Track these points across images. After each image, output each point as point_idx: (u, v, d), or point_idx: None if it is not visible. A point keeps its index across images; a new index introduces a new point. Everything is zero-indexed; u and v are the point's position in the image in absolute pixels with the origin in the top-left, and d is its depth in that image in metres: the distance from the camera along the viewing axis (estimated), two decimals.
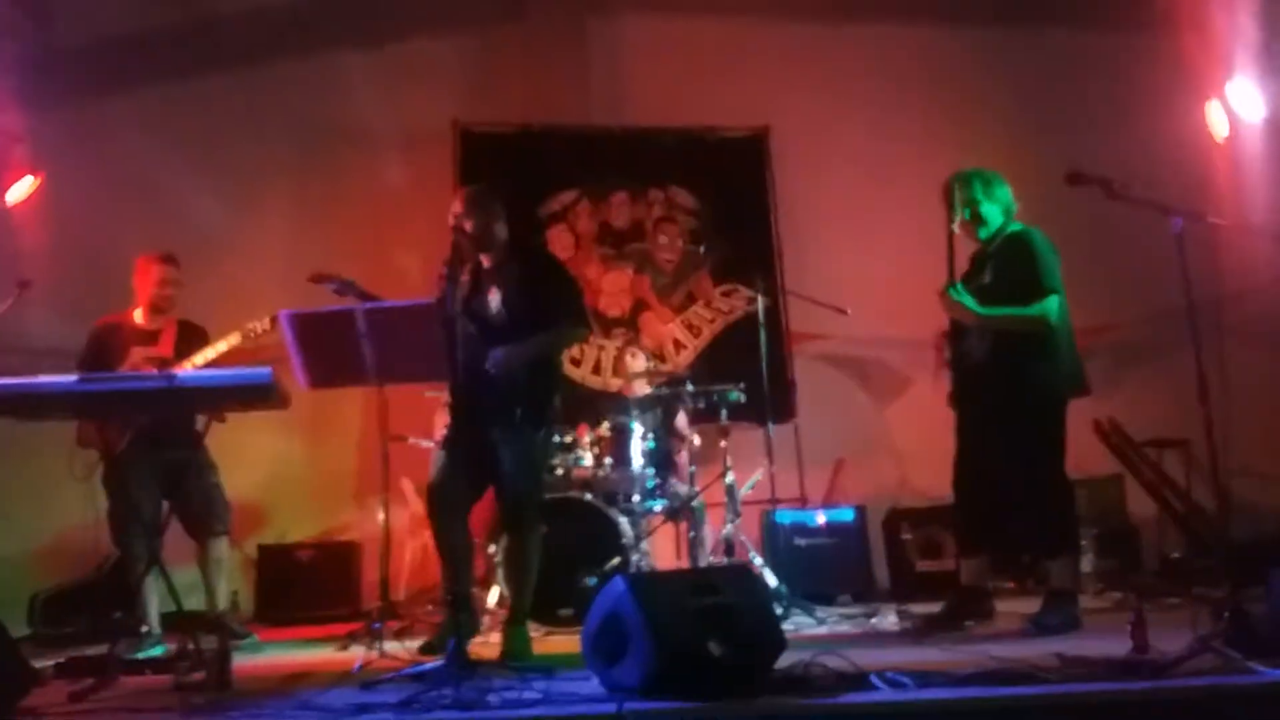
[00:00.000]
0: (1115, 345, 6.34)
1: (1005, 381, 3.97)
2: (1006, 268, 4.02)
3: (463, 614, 3.79)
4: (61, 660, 3.86)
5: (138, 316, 4.71)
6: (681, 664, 2.81)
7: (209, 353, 4.49)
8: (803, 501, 5.85)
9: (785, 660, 3.02)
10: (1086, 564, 5.33)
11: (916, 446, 6.19)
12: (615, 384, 6.39)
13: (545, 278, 4.03)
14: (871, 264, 6.43)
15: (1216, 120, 6.29)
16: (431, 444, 4.22)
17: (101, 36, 6.37)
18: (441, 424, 3.99)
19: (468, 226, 3.86)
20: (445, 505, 3.90)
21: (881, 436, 6.47)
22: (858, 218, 6.70)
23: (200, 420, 4.17)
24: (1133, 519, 5.86)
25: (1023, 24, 6.88)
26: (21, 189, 4.92)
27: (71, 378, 3.39)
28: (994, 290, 4.01)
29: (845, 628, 4.43)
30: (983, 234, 4.15)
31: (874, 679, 2.82)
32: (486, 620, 4.69)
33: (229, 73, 6.52)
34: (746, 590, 3.12)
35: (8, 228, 5.19)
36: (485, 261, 3.98)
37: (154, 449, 4.39)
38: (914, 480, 6.19)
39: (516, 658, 3.60)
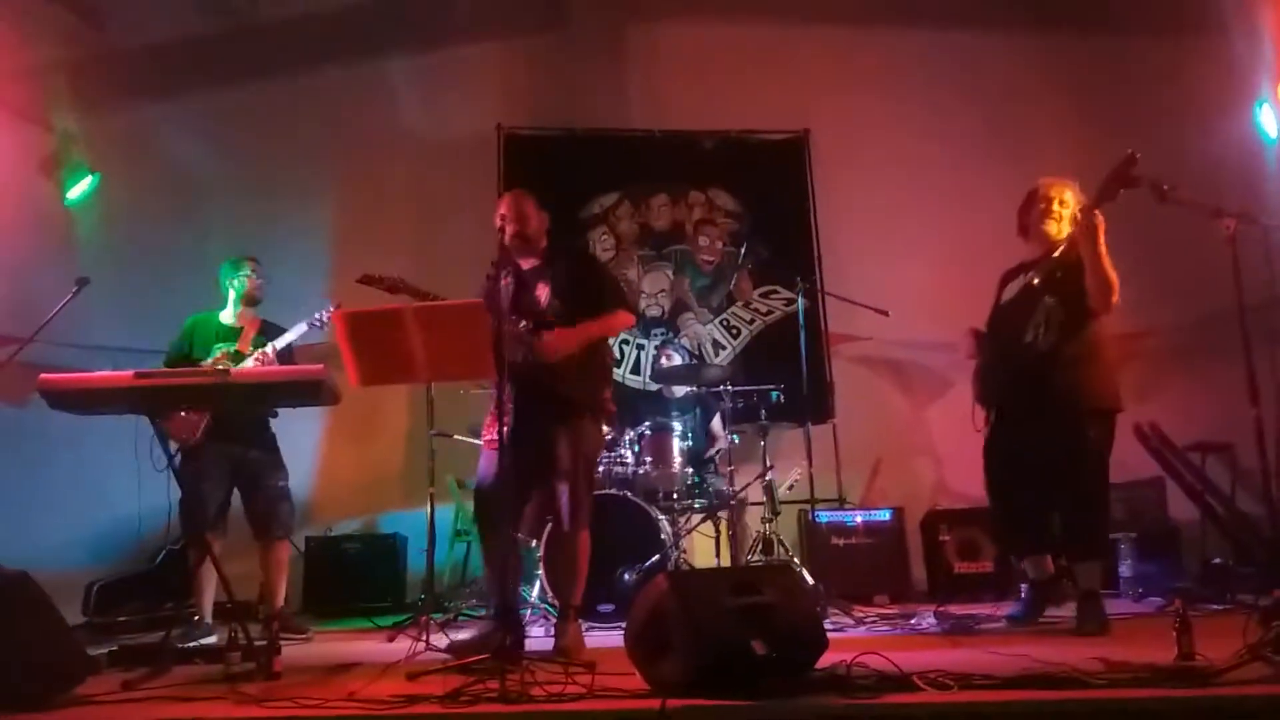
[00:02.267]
0: (1158, 349, 6.28)
1: (1067, 380, 4.00)
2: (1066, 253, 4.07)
3: (503, 623, 3.86)
4: (115, 648, 3.97)
5: (224, 314, 4.88)
6: (724, 661, 2.84)
7: (279, 342, 4.65)
8: (841, 502, 5.85)
9: (827, 660, 3.04)
10: (1126, 568, 5.31)
11: (955, 449, 6.17)
12: (653, 384, 6.44)
13: (590, 271, 4.16)
14: (911, 267, 6.42)
15: (1267, 122, 6.20)
16: (476, 441, 4.26)
17: (155, 42, 6.50)
18: (491, 424, 4.01)
19: (514, 228, 3.93)
20: (496, 513, 3.94)
21: (920, 438, 6.46)
22: (898, 220, 6.69)
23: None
24: (1173, 523, 5.79)
25: (1067, 27, 6.82)
26: (81, 189, 5.03)
27: (128, 373, 3.48)
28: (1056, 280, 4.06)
29: (884, 628, 4.43)
30: (1054, 230, 4.17)
31: (917, 680, 2.83)
32: (528, 615, 4.76)
33: (277, 79, 6.65)
34: (788, 589, 3.14)
35: (68, 227, 5.32)
36: (527, 263, 4.04)
37: (226, 446, 4.52)
38: (952, 482, 6.18)
39: (568, 654, 3.63)
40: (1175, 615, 3.06)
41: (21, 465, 4.75)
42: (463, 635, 3.98)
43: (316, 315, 4.69)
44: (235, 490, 4.68)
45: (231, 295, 4.89)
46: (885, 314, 5.40)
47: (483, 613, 4.06)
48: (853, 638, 4.10)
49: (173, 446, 4.51)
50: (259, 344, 4.72)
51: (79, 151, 5.14)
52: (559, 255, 4.11)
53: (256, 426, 4.70)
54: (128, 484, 4.68)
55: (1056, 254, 4.09)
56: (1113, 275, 3.91)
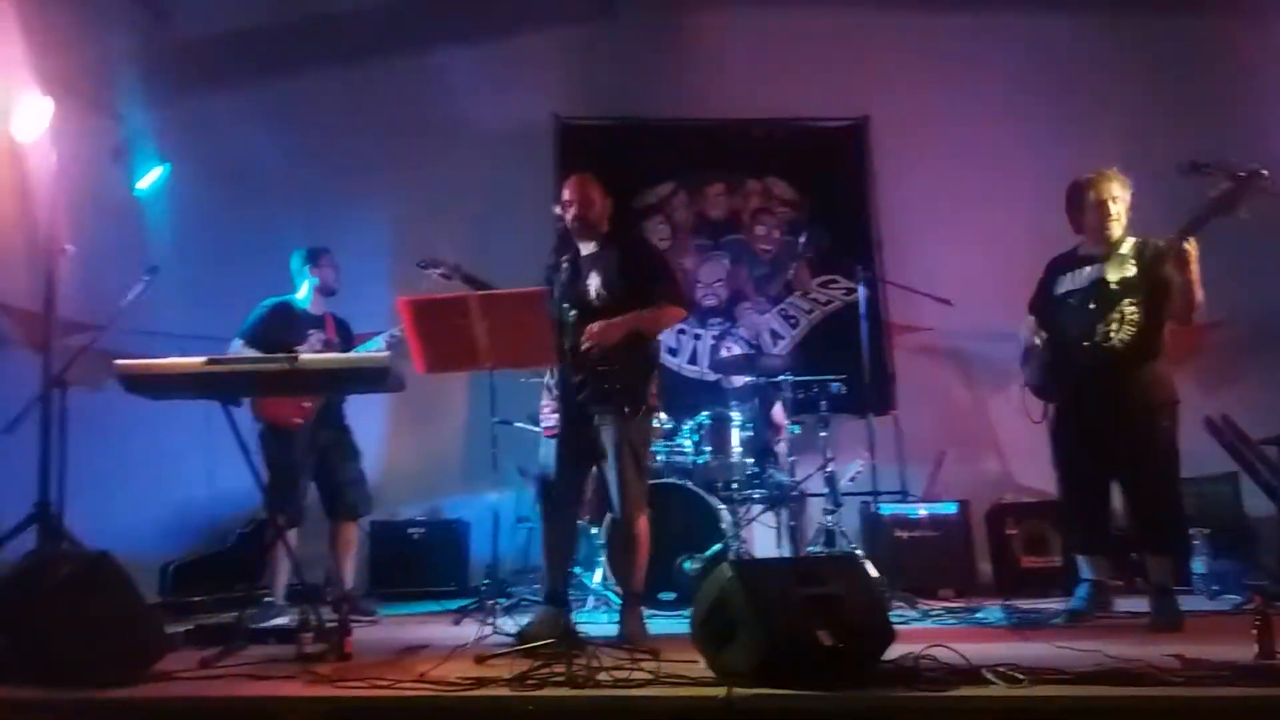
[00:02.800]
0: (1231, 340, 6.13)
1: (1140, 376, 4.02)
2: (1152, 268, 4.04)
3: (560, 610, 3.89)
4: (191, 627, 4.07)
5: (304, 302, 4.99)
6: (790, 652, 2.83)
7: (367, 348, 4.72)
8: (904, 494, 5.79)
9: (893, 652, 3.02)
10: (1199, 565, 5.19)
11: (1020, 441, 6.06)
12: (710, 374, 6.43)
13: (642, 260, 4.13)
14: (973, 256, 6.31)
15: None
16: (536, 428, 4.28)
17: (219, 32, 6.61)
18: (547, 410, 4.05)
19: (576, 211, 3.94)
20: (558, 501, 3.98)
21: (984, 430, 6.35)
22: (960, 209, 6.58)
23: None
24: (1249, 519, 5.64)
25: (1137, 10, 6.64)
26: (150, 179, 5.13)
27: (200, 359, 3.56)
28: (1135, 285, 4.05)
29: (950, 621, 4.38)
30: (1119, 232, 4.15)
31: (987, 673, 2.80)
32: (591, 601, 4.79)
33: (338, 69, 6.72)
34: (854, 580, 3.12)
35: (138, 216, 5.44)
36: (586, 249, 4.05)
37: (314, 430, 4.63)
38: (1018, 475, 6.09)
39: (633, 641, 3.66)
40: (1254, 613, 2.99)
41: (98, 449, 4.86)
42: (525, 620, 4.02)
43: (392, 333, 4.71)
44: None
45: (306, 285, 4.98)
46: (949, 303, 5.34)
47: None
48: (918, 630, 4.06)
49: (259, 428, 4.63)
50: (342, 337, 4.86)
51: (148, 142, 5.23)
52: (614, 242, 4.10)
53: (336, 411, 4.82)
54: (200, 467, 4.80)
55: (1131, 255, 4.07)
56: (1201, 295, 3.91)
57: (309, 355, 4.24)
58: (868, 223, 6.81)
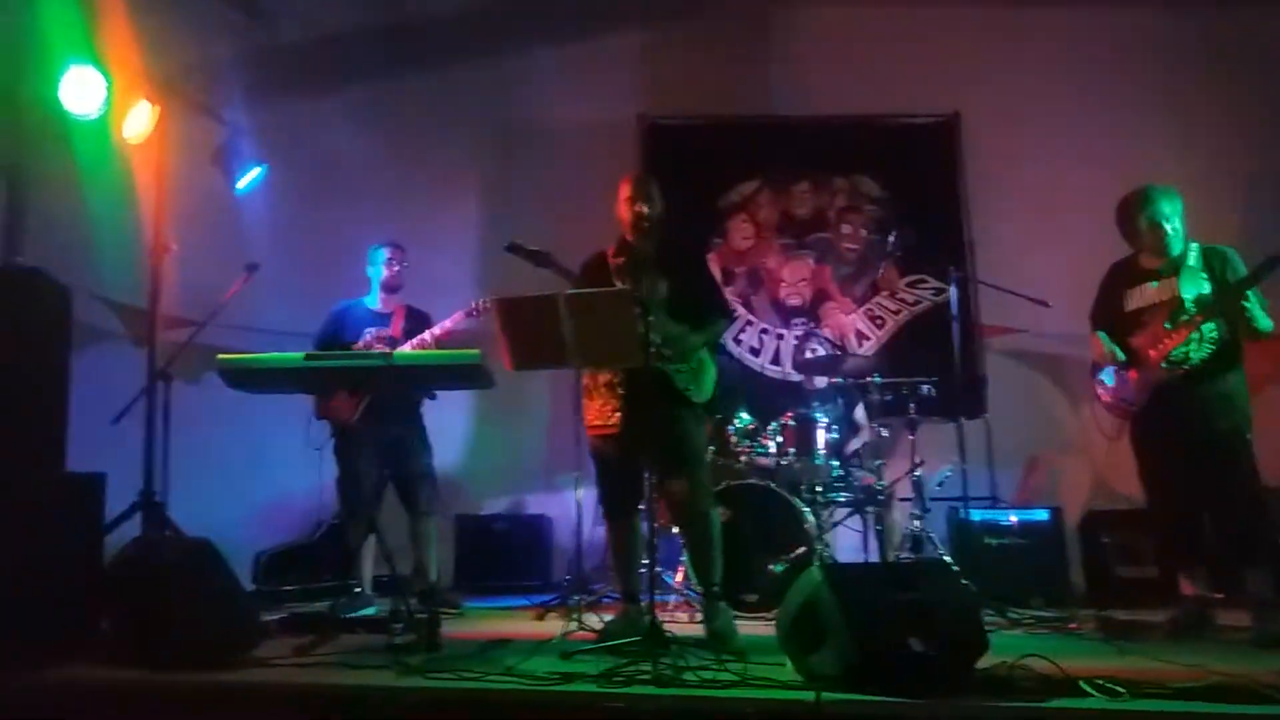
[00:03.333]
0: None
1: (1220, 388, 4.01)
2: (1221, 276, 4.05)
3: (635, 608, 3.93)
4: (284, 616, 4.18)
5: (371, 300, 5.09)
6: (881, 658, 2.80)
7: (436, 329, 4.81)
8: (993, 500, 5.66)
9: (986, 661, 2.96)
10: None
11: (1116, 448, 5.88)
12: (793, 374, 6.37)
13: (697, 268, 4.24)
14: (1067, 256, 6.09)
15: None
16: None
17: (314, 36, 6.80)
18: (595, 410, 4.02)
19: (640, 209, 3.95)
20: (619, 502, 4.01)
21: (1078, 436, 6.16)
22: (1053, 207, 6.40)
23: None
24: None
25: (1248, 7, 6.39)
26: (249, 179, 5.29)
27: (298, 355, 3.65)
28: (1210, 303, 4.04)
29: (1042, 631, 4.27)
30: (1179, 247, 4.16)
31: (1085, 685, 2.73)
32: (674, 599, 4.80)
33: (429, 70, 6.84)
34: (947, 587, 3.08)
35: (238, 215, 5.61)
36: (647, 247, 4.03)
37: (378, 425, 4.70)
38: (1113, 483, 5.88)
39: (723, 637, 3.66)
40: None
41: (196, 441, 5.03)
42: (608, 618, 4.03)
43: (474, 304, 4.80)
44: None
45: (370, 283, 5.09)
46: (1046, 305, 5.19)
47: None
48: (1009, 639, 3.96)
49: (330, 427, 4.74)
50: (411, 330, 4.87)
51: (247, 143, 5.38)
52: (672, 247, 4.12)
53: (405, 408, 4.87)
54: (293, 460, 4.92)
55: (1201, 269, 4.08)
56: (1270, 328, 3.96)
57: (403, 350, 4.32)
58: (959, 221, 6.65)
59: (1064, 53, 6.62)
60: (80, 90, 4.47)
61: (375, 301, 5.10)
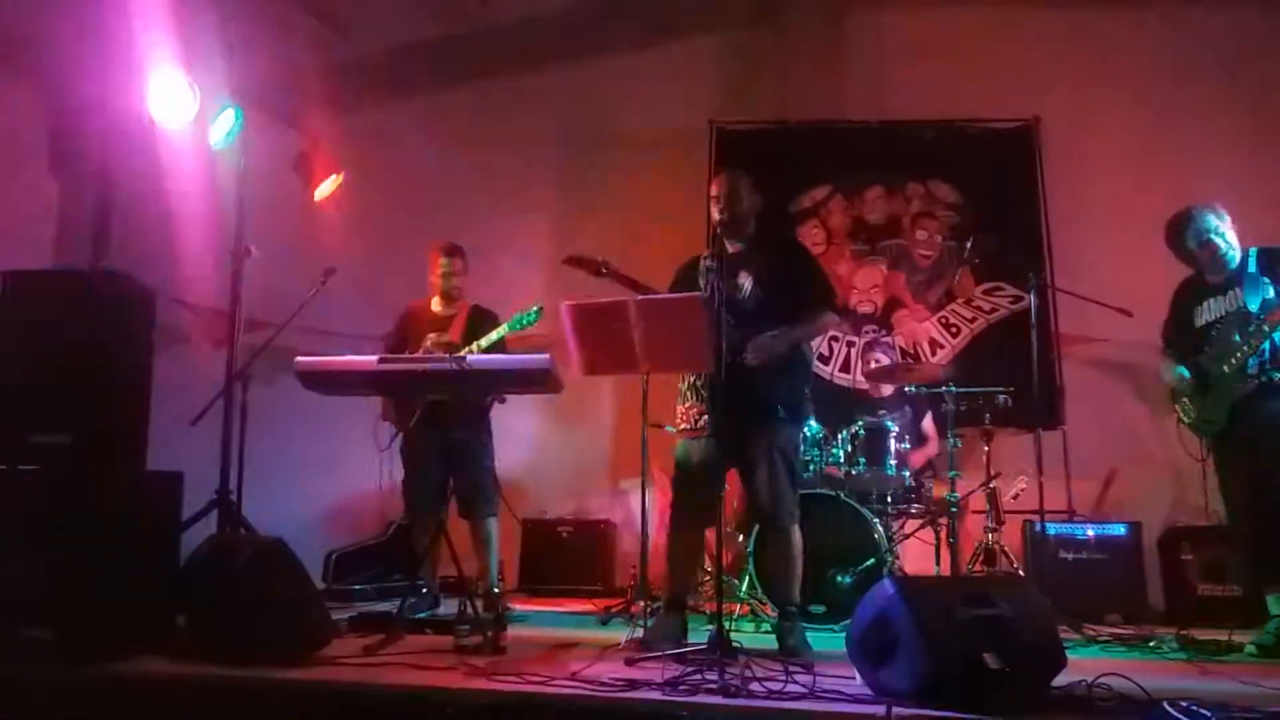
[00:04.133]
0: None
1: None
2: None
3: (678, 616, 3.89)
4: (354, 614, 4.24)
5: (435, 303, 5.09)
6: (954, 673, 2.73)
7: (491, 337, 4.76)
8: (1070, 513, 5.51)
9: (1063, 678, 2.87)
10: None
11: (1197, 462, 5.70)
12: (862, 382, 6.29)
13: (798, 264, 4.10)
14: (1148, 264, 5.89)
15: None
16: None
17: (391, 46, 6.91)
18: (685, 413, 3.99)
19: (726, 207, 3.91)
20: (695, 507, 3.95)
21: (1158, 449, 5.96)
22: (1134, 215, 6.18)
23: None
24: None
25: None
26: (327, 186, 5.39)
27: (372, 358, 3.70)
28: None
29: (1119, 649, 4.14)
30: (1236, 259, 4.18)
31: (1168, 707, 2.63)
32: (738, 608, 4.76)
33: (502, 79, 6.94)
34: (1023, 603, 2.98)
35: (316, 221, 5.72)
36: (733, 248, 3.99)
37: (438, 429, 4.67)
38: (1194, 497, 5.66)
39: (797, 653, 3.61)
40: None
41: (270, 441, 5.13)
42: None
43: (519, 316, 4.77)
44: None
45: (433, 287, 5.08)
46: (1129, 314, 5.04)
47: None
48: (1086, 655, 3.84)
49: (391, 430, 4.79)
50: (471, 335, 4.85)
51: (325, 150, 5.49)
52: (767, 243, 4.05)
53: (471, 411, 4.80)
54: (364, 460, 4.98)
55: (1262, 273, 4.03)
56: None
57: (475, 356, 4.34)
58: (1037, 228, 6.51)
59: (1146, 59, 6.48)
60: (168, 99, 4.59)
61: (437, 304, 5.09)
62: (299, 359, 3.64)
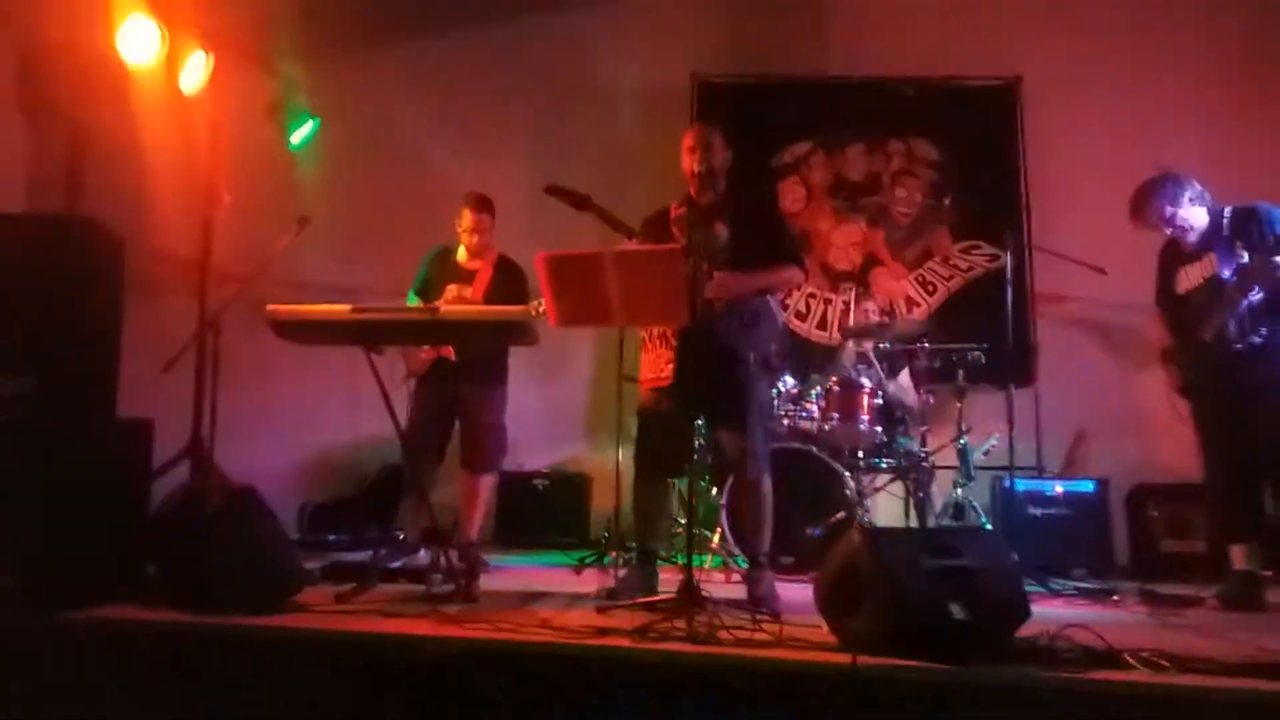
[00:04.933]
0: None
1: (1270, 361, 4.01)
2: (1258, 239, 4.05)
3: (650, 568, 3.91)
4: (327, 563, 4.25)
5: (460, 253, 4.85)
6: (920, 623, 2.77)
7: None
8: (1039, 470, 5.57)
9: (1027, 630, 2.92)
10: None
11: (1166, 421, 5.74)
12: (839, 339, 6.30)
13: (768, 219, 4.13)
14: (1125, 224, 5.96)
15: None
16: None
17: None
18: (650, 363, 3.99)
19: (700, 158, 3.89)
20: (660, 462, 3.97)
21: (1128, 407, 6.03)
22: (1114, 176, 6.09)
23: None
24: None
25: None
26: (302, 133, 5.32)
27: (345, 307, 3.67)
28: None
29: (1083, 603, 4.21)
30: (1201, 225, 4.27)
31: (1128, 658, 2.68)
32: (709, 560, 4.80)
33: (481, 28, 6.78)
34: (989, 554, 3.02)
35: (291, 169, 5.65)
36: (704, 198, 3.96)
37: (447, 378, 4.62)
38: (1161, 456, 5.73)
39: (765, 602, 3.63)
40: None
41: (246, 394, 5.10)
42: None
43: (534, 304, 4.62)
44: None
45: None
46: (1103, 272, 5.06)
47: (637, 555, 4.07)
48: (1049, 609, 3.90)
49: (402, 373, 4.71)
50: (495, 290, 4.65)
51: (301, 97, 5.41)
52: (737, 197, 4.02)
53: (478, 361, 4.67)
54: (342, 414, 4.96)
55: (1236, 237, 4.07)
56: None
57: (450, 307, 4.27)
58: (1016, 187, 6.49)
59: (1133, 15, 6.41)
60: (137, 40, 4.50)
61: (463, 254, 4.84)
62: (270, 306, 3.60)
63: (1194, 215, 4.23)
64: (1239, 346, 4.02)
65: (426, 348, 4.59)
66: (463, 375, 4.60)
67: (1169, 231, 4.31)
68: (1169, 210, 4.24)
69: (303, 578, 3.66)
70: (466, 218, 4.76)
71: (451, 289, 4.67)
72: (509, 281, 4.69)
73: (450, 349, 4.60)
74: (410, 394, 4.70)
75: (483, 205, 4.80)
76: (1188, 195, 4.23)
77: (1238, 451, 4.09)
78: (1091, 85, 6.38)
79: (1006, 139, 6.59)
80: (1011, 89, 6.63)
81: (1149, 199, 4.29)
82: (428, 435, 4.63)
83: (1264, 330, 3.98)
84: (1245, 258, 3.97)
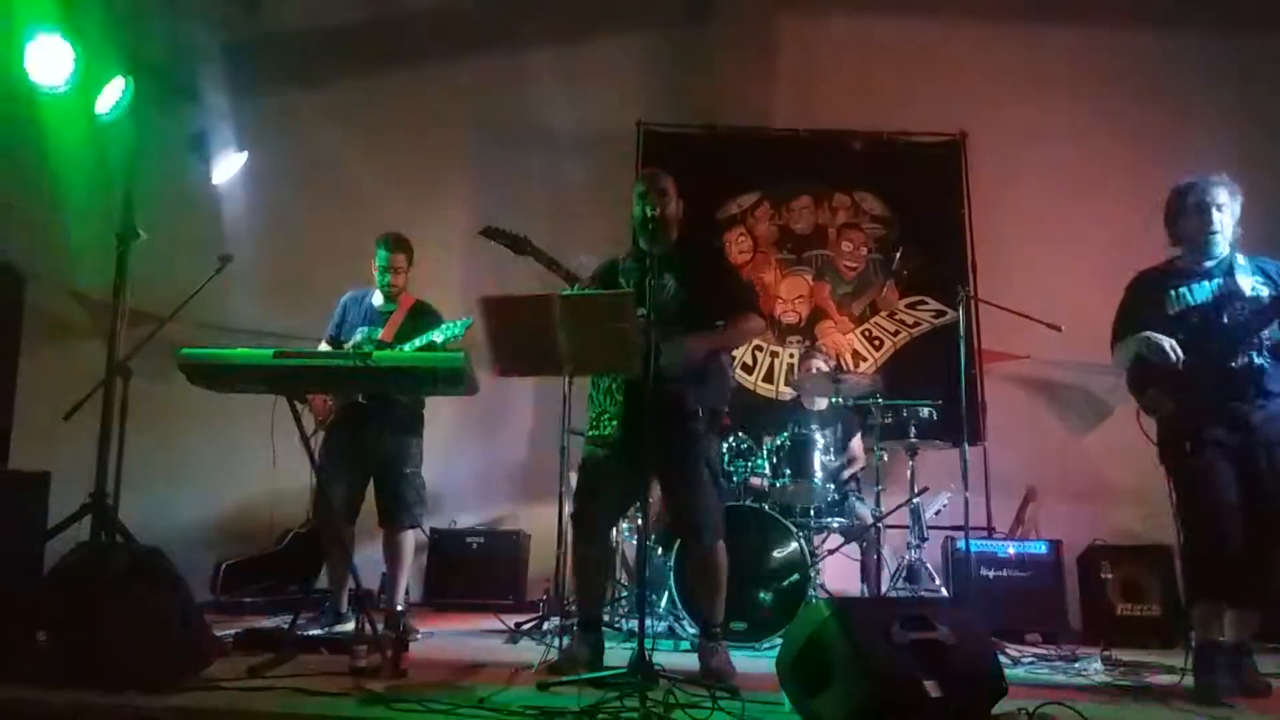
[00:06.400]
0: None
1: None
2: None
3: (593, 636, 3.67)
4: (241, 631, 3.91)
5: (375, 297, 4.65)
6: (892, 701, 2.58)
7: (416, 343, 4.35)
8: (990, 531, 5.45)
9: (1001, 706, 2.74)
10: None
11: (1117, 480, 5.72)
12: (787, 393, 6.16)
13: (721, 271, 3.98)
14: (1073, 281, 5.95)
15: None
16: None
17: (305, 27, 6.58)
18: (596, 419, 3.75)
19: (653, 205, 3.70)
20: (598, 521, 3.74)
21: (1078, 467, 5.99)
22: (1060, 232, 6.29)
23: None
24: None
25: (1253, 30, 6.30)
26: (228, 167, 5.03)
27: (267, 351, 3.39)
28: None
29: (1044, 671, 4.05)
30: (1222, 246, 3.67)
31: None
32: (660, 625, 4.56)
33: (418, 67, 6.64)
34: (963, 626, 2.83)
35: (214, 205, 5.36)
36: (656, 248, 3.74)
37: (357, 431, 4.36)
38: (1113, 517, 5.68)
39: (720, 677, 3.37)
40: None
41: (160, 443, 4.77)
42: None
43: (448, 326, 4.42)
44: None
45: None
46: (1058, 329, 4.98)
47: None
48: (1011, 679, 3.70)
49: (310, 426, 4.41)
50: (407, 334, 4.45)
51: (228, 130, 5.13)
52: (689, 248, 3.85)
53: (395, 411, 4.45)
54: (260, 465, 4.62)
55: (1253, 272, 3.61)
56: None
57: (381, 353, 4.00)
58: (962, 243, 6.49)
59: (1076, 73, 6.54)
60: (48, 60, 4.19)
61: (378, 298, 4.65)
62: (183, 350, 3.30)
63: (1229, 225, 3.67)
64: (1251, 370, 3.48)
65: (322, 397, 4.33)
66: (376, 425, 4.32)
67: (1198, 223, 3.64)
68: (1214, 203, 3.63)
69: (213, 648, 3.33)
70: (381, 257, 4.58)
71: (361, 331, 4.45)
72: (426, 325, 4.45)
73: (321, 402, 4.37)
74: (318, 447, 4.36)
75: (398, 245, 4.62)
76: (1237, 203, 3.69)
77: (1238, 496, 3.45)
78: (1035, 143, 6.44)
79: (952, 195, 6.61)
80: (957, 145, 6.65)
81: (1219, 182, 3.68)
82: (340, 491, 4.31)
83: (1268, 370, 3.49)
84: (1267, 293, 3.54)
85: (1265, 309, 3.51)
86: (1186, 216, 3.71)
